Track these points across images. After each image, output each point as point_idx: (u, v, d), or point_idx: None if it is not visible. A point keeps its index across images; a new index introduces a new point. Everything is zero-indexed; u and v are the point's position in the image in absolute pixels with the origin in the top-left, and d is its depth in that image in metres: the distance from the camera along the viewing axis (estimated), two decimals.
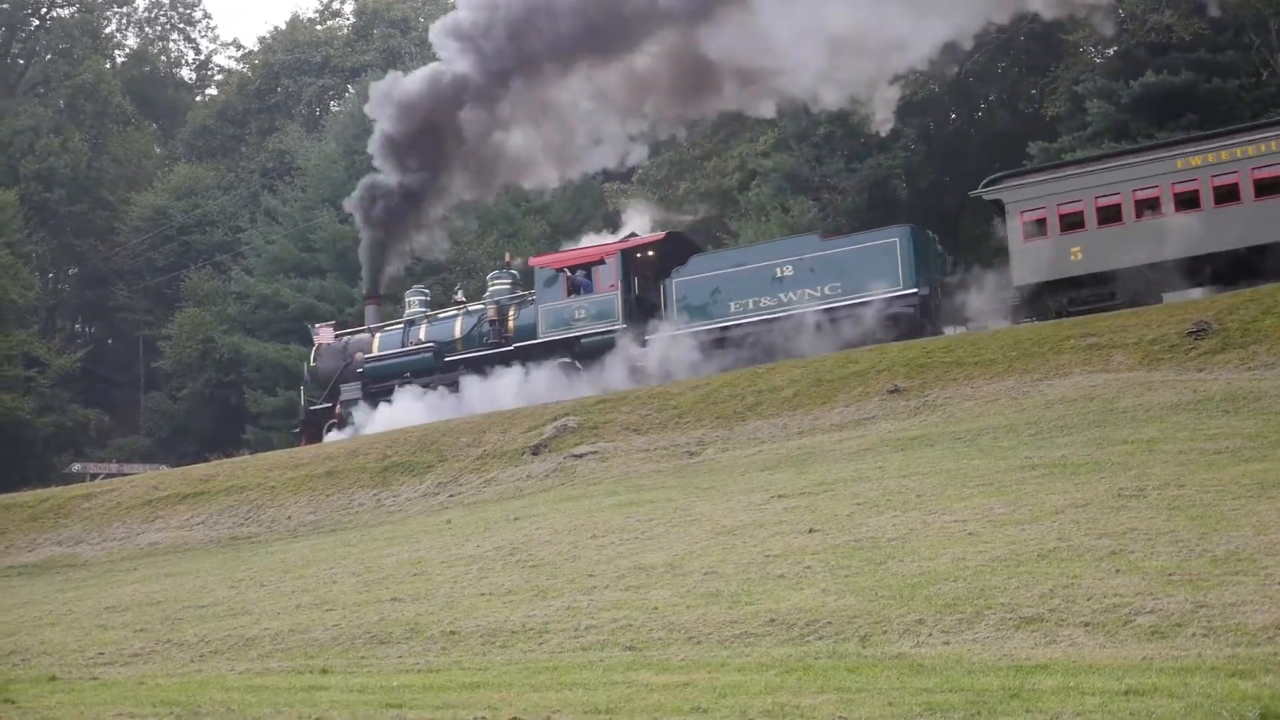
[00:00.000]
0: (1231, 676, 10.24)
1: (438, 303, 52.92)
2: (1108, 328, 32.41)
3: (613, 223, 73.91)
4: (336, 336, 49.58)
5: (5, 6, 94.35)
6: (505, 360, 44.41)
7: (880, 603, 13.95)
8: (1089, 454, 21.17)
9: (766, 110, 51.19)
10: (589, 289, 44.06)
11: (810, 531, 18.39)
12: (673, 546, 19.19)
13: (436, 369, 45.67)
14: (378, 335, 48.11)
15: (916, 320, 39.68)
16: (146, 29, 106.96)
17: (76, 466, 69.05)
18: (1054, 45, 57.26)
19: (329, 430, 46.27)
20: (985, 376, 31.42)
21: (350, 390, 46.79)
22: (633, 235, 47.07)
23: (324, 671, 15.09)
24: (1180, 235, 37.06)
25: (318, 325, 51.68)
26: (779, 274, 41.20)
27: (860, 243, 41.42)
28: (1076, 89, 54.28)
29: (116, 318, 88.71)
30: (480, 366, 44.78)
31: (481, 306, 46.68)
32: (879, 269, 40.09)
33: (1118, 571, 13.65)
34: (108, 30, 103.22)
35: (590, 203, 75.94)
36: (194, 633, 18.81)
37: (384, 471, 36.28)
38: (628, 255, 44.42)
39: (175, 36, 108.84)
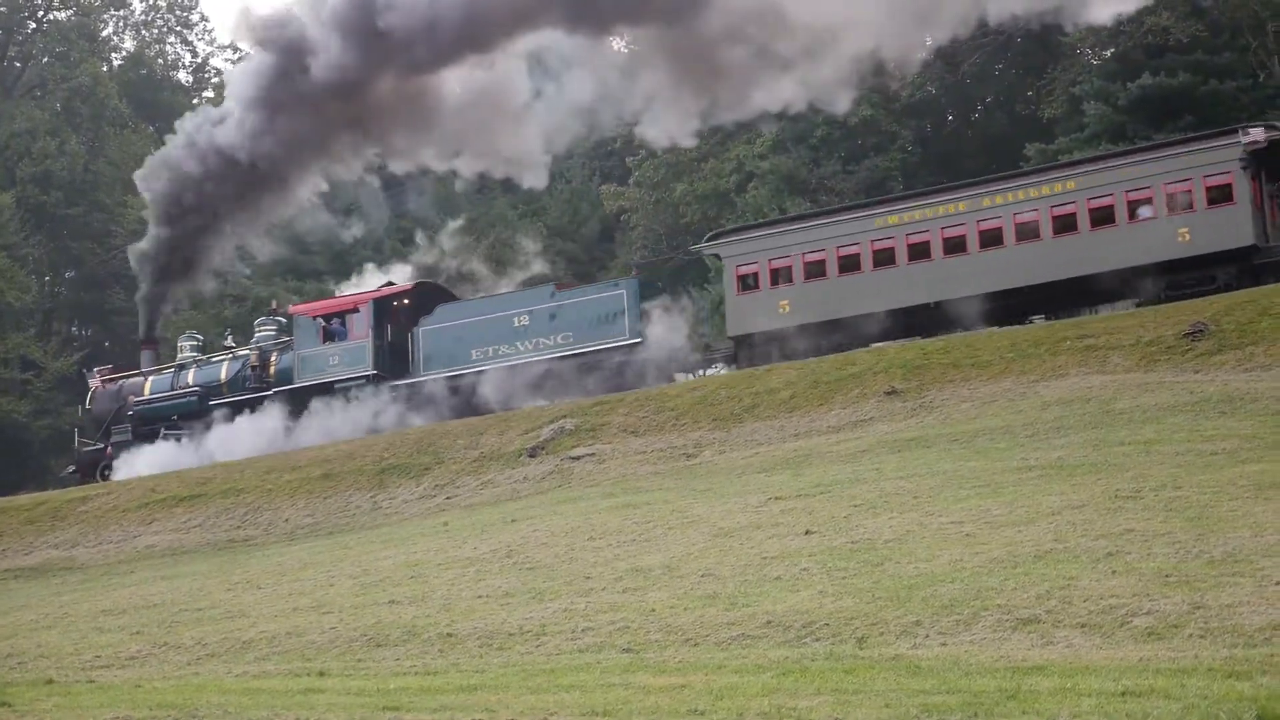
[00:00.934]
0: (1228, 677, 10.24)
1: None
2: (1105, 329, 32.43)
3: (608, 224, 74.04)
4: (112, 380, 50.79)
5: (2, 9, 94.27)
6: (261, 404, 46.45)
7: (877, 604, 13.95)
8: (1086, 455, 21.18)
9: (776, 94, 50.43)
10: (343, 336, 45.93)
11: (807, 533, 18.39)
12: (670, 548, 19.18)
13: (202, 412, 47.12)
14: (150, 379, 49.37)
15: (639, 368, 41.76)
16: (143, 32, 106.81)
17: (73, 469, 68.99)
18: (1051, 47, 57.35)
19: (103, 473, 47.43)
20: (982, 378, 31.41)
21: (121, 432, 48.00)
22: (389, 284, 49.04)
23: (321, 674, 15.08)
24: (878, 290, 40.23)
25: (95, 369, 53.07)
26: (517, 323, 43.64)
27: (590, 294, 44.22)
28: (1074, 91, 54.35)
29: (114, 321, 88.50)
30: (242, 410, 46.56)
31: (248, 352, 48.30)
32: (607, 320, 42.61)
33: (1114, 573, 13.65)
34: (104, 33, 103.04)
35: (588, 205, 75.95)
36: (191, 635, 18.79)
37: (381, 474, 36.25)
38: (380, 304, 46.25)
39: (172, 39, 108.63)
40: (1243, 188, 38.18)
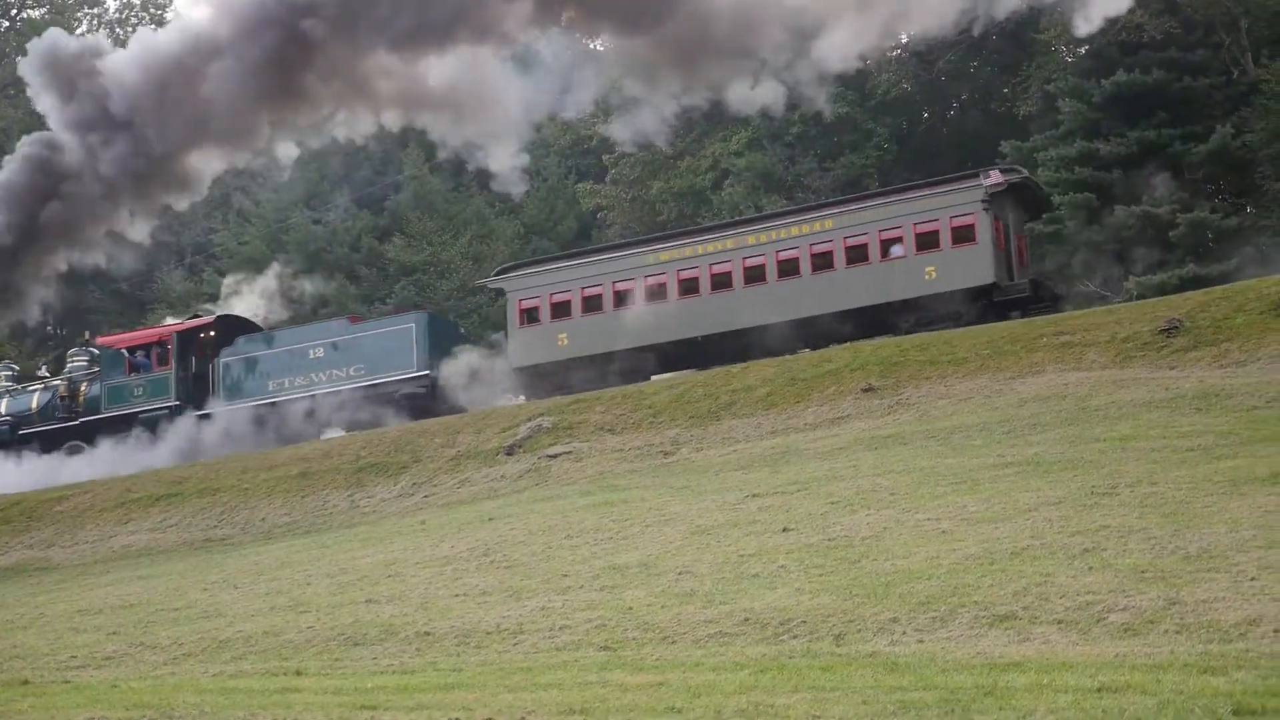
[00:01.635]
0: (1204, 673, 10.27)
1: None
2: (1081, 326, 32.52)
3: (588, 223, 73.98)
4: None
5: None
6: (73, 435, 47.35)
7: (854, 601, 13.97)
8: (1062, 452, 21.23)
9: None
10: (148, 368, 47.02)
11: (784, 531, 18.41)
12: (647, 546, 19.19)
13: (12, 441, 47.69)
14: None
15: (428, 400, 43.50)
16: (118, 29, 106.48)
17: None
18: (1026, 44, 57.45)
19: None
20: (959, 375, 31.48)
21: None
22: (195, 316, 51.35)
23: (298, 673, 15.05)
24: (650, 324, 42.77)
25: None
26: (312, 355, 45.31)
27: (381, 328, 46.20)
28: (1048, 88, 54.48)
29: (89, 319, 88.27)
30: (52, 440, 47.41)
31: (59, 382, 49.16)
32: (396, 352, 44.44)
33: (1091, 569, 13.69)
34: (79, 31, 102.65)
35: (564, 203, 75.91)
36: (167, 635, 18.74)
37: (358, 473, 36.18)
38: (184, 336, 47.43)
39: None
40: (985, 227, 40.76)
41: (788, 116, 59.30)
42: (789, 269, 42.28)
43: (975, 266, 40.58)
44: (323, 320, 52.45)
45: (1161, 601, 12.29)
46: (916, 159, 63.90)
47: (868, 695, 10.76)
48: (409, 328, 44.69)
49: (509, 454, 34.36)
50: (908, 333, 38.68)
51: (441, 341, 44.74)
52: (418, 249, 71.51)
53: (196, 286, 79.21)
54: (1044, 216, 48.13)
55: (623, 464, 31.20)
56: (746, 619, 14.14)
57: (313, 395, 44.48)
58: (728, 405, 33.72)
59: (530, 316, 44.11)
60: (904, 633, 12.83)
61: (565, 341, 43.21)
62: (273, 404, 44.96)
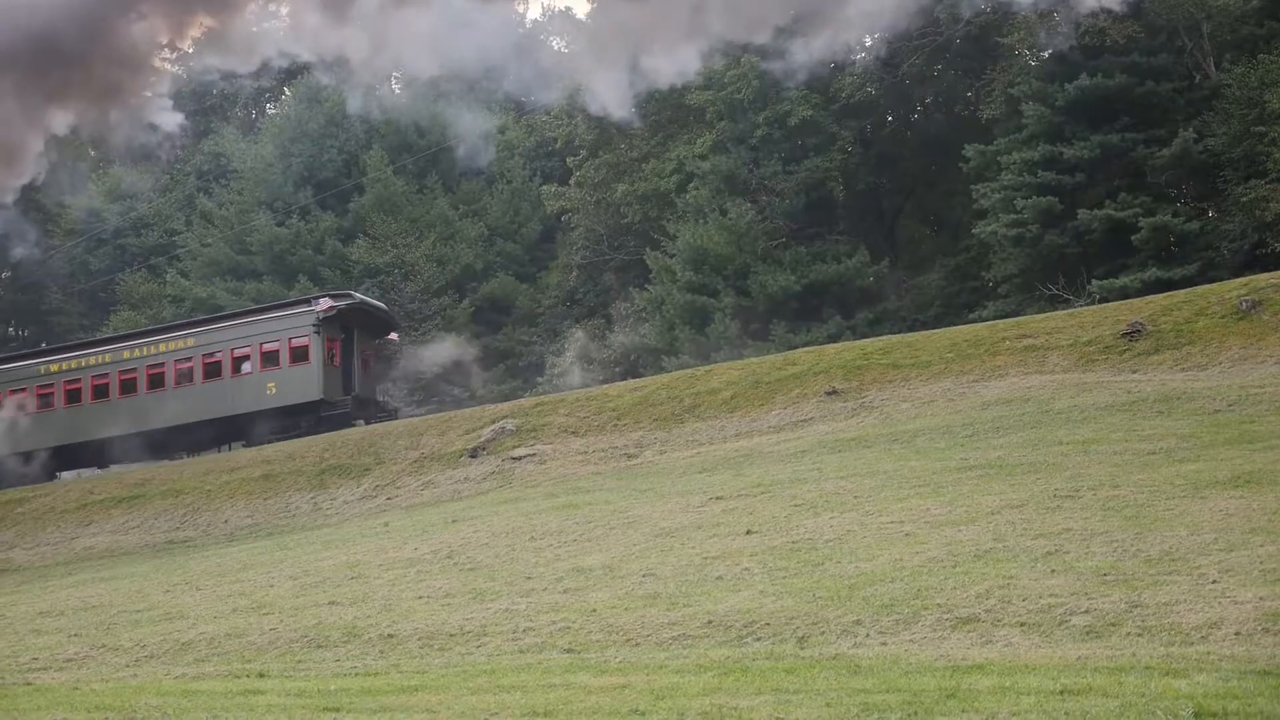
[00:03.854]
0: (1166, 675, 10.30)
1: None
2: (1043, 329, 32.65)
3: (552, 226, 73.91)
4: None
5: None
6: None
7: (818, 604, 13.98)
8: (1025, 455, 21.31)
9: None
10: None
11: (748, 533, 18.43)
12: (611, 549, 19.19)
13: None
14: None
15: None
16: None
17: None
18: (990, 48, 57.59)
19: None
20: (922, 378, 31.57)
21: None
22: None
23: (261, 675, 15.00)
24: (35, 429, 48.94)
25: None
26: None
27: None
28: (1012, 92, 54.60)
29: (51, 321, 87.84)
30: None
31: None
32: None
33: (1053, 572, 13.73)
34: None
35: (529, 205, 75.88)
36: (129, 637, 18.66)
37: (321, 474, 36.12)
38: None
39: None
40: (317, 349, 47.02)
41: (752, 118, 59.40)
42: (157, 381, 48.69)
43: (306, 384, 47.16)
44: None
45: (1123, 604, 12.33)
46: (880, 161, 64.08)
47: (831, 698, 10.77)
48: None
49: (473, 456, 34.35)
50: (261, 444, 44.57)
51: None
52: (381, 251, 71.40)
53: (159, 288, 78.92)
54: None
55: (587, 466, 31.20)
56: (710, 621, 14.14)
57: None
58: (691, 408, 33.75)
59: None
60: (867, 635, 12.84)
61: None
62: None
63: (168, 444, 48.35)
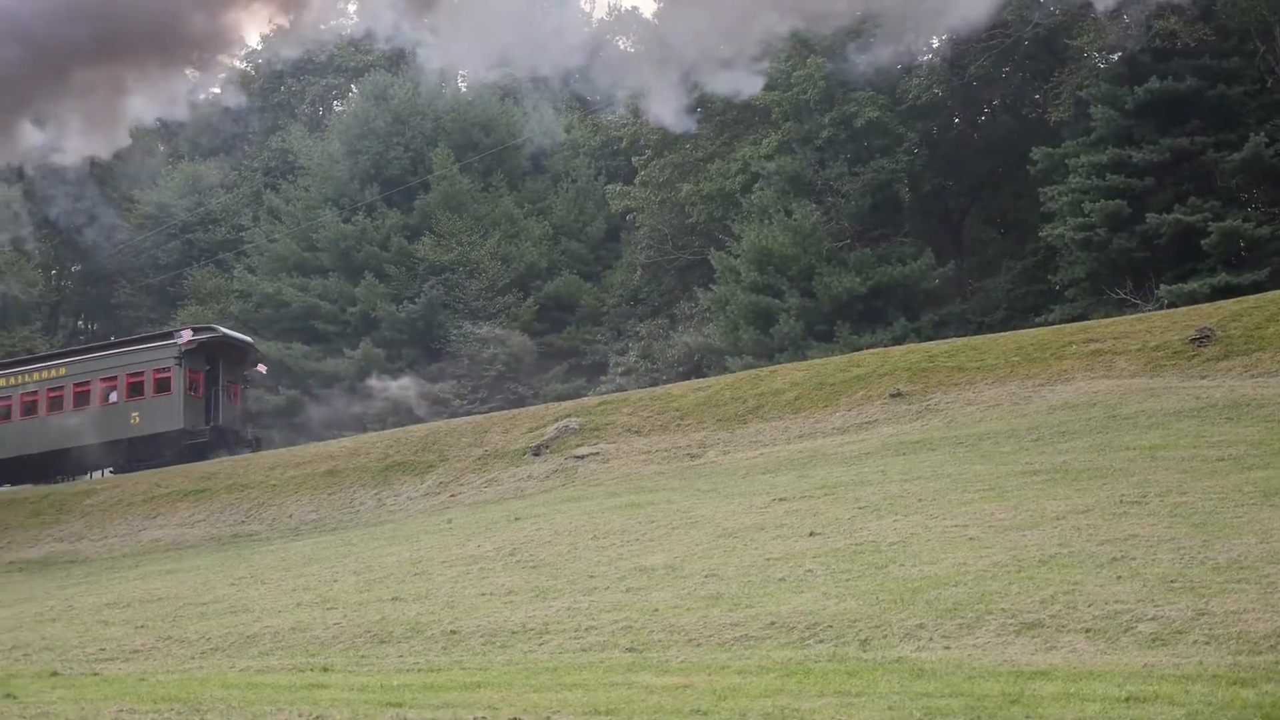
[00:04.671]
0: (1233, 684, 10.22)
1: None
2: (1111, 333, 32.42)
3: (617, 225, 74.00)
4: None
5: None
6: None
7: (881, 607, 13.94)
8: (1091, 460, 21.17)
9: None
10: None
11: (811, 535, 18.39)
12: (674, 548, 19.19)
13: None
14: None
15: None
16: None
17: None
18: (1058, 50, 57.21)
19: None
20: (987, 381, 31.41)
21: None
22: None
23: (325, 670, 15.08)
24: None
25: None
26: None
27: None
28: (1081, 94, 54.20)
29: (120, 315, 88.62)
30: None
31: None
32: None
33: (1119, 578, 13.64)
34: None
35: (593, 204, 75.94)
36: (195, 630, 18.81)
37: (385, 471, 36.28)
38: None
39: None
40: (179, 380, 49.26)
41: (818, 119, 59.24)
42: (30, 409, 50.68)
43: (169, 414, 49.27)
44: None
45: (1190, 612, 12.23)
46: (947, 163, 63.73)
47: (893, 701, 10.73)
48: None
49: (536, 454, 34.42)
50: (124, 471, 47.18)
51: None
52: (447, 248, 71.65)
53: (226, 283, 79.47)
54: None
55: (650, 466, 31.22)
56: (772, 623, 14.12)
57: None
58: (755, 409, 33.70)
59: None
60: (930, 639, 12.79)
61: None
62: None
63: (45, 469, 50.89)
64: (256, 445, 51.27)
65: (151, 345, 51.32)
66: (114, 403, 50.20)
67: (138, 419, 49.62)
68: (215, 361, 51.75)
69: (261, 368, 57.01)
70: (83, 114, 45.13)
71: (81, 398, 50.53)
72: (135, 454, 49.06)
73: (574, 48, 50.43)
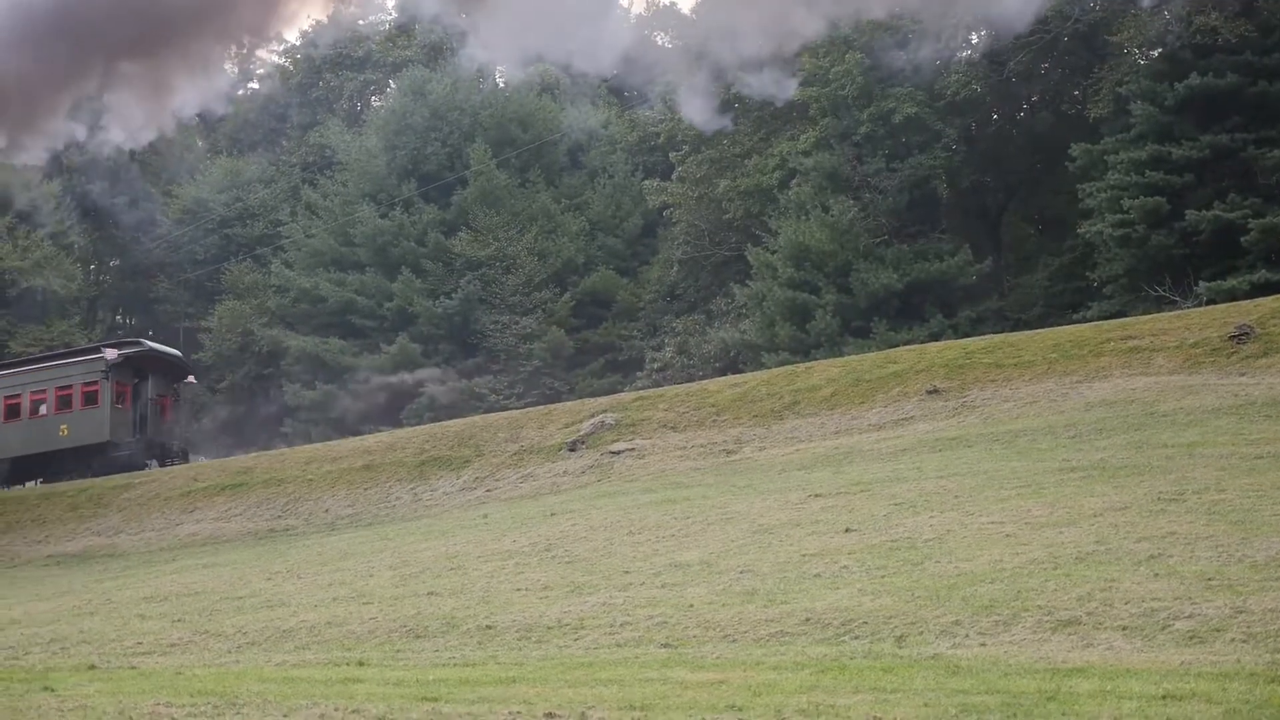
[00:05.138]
0: (1271, 682, 10.17)
1: None
2: (1149, 330, 32.26)
3: (654, 220, 73.99)
4: None
5: None
6: None
7: (916, 603, 13.91)
8: (1128, 457, 21.08)
9: None
10: None
11: (847, 531, 18.37)
12: (709, 544, 19.18)
13: None
14: None
15: None
16: None
17: None
18: (1098, 46, 56.92)
19: None
20: (1024, 378, 31.30)
21: None
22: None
23: (360, 664, 15.13)
24: None
25: None
26: None
27: None
28: (1120, 91, 53.92)
29: (157, 309, 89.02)
30: None
31: None
32: None
33: (1156, 575, 13.58)
34: None
35: (630, 200, 75.91)
36: (231, 624, 18.88)
37: (421, 466, 36.36)
38: None
39: None
40: (106, 394, 51.22)
41: (855, 115, 59.09)
42: None
43: (96, 426, 50.96)
44: None
45: (1228, 610, 12.18)
46: (985, 160, 63.48)
47: (929, 698, 10.71)
48: None
49: (572, 450, 34.44)
50: (53, 481, 48.72)
51: None
52: (484, 244, 71.76)
53: (264, 278, 79.71)
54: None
55: (685, 461, 31.21)
56: (808, 619, 14.11)
57: None
58: (791, 405, 33.66)
59: None
60: (966, 636, 12.77)
61: None
62: None
63: None
64: (185, 456, 52.88)
65: (81, 359, 53.24)
66: (44, 415, 52.11)
67: (66, 431, 51.48)
68: (145, 375, 53.43)
69: (191, 379, 58.55)
70: (127, 101, 45.72)
71: (12, 410, 52.50)
72: (65, 465, 50.92)
73: (612, 45, 50.33)
